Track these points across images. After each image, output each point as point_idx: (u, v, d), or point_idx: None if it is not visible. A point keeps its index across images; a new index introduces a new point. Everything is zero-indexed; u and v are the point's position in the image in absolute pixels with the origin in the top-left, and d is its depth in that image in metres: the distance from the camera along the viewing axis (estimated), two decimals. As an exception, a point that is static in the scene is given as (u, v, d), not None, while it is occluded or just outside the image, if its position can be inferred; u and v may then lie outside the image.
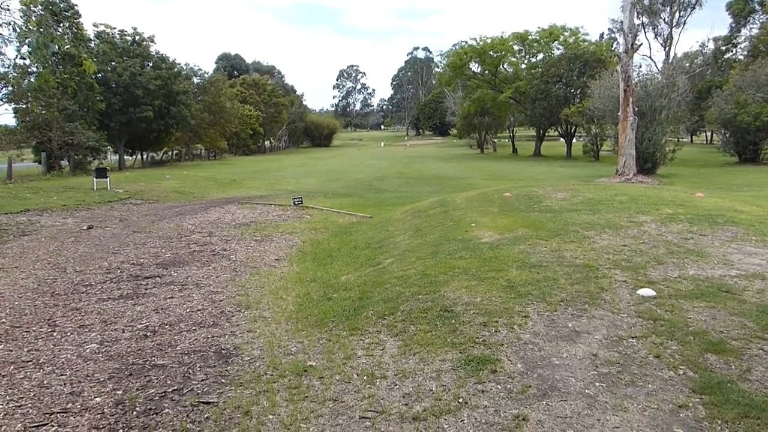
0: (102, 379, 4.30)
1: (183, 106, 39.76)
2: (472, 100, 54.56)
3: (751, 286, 5.22)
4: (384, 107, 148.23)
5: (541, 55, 49.64)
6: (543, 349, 4.12)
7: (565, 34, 47.88)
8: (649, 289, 5.18)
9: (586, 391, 3.52)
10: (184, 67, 46.94)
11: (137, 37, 38.61)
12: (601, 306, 4.85)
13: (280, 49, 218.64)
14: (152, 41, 39.32)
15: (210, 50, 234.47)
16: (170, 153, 48.80)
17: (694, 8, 43.62)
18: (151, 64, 38.29)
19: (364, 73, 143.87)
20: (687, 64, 45.28)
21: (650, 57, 59.49)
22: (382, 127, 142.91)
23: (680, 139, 34.07)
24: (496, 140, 64.53)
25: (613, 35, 56.13)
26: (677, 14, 42.86)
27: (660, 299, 4.94)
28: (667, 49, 44.09)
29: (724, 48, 48.63)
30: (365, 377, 3.99)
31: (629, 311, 4.71)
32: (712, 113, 34.16)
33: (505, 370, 3.82)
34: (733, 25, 48.40)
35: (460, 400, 3.50)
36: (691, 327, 4.33)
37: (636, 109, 23.72)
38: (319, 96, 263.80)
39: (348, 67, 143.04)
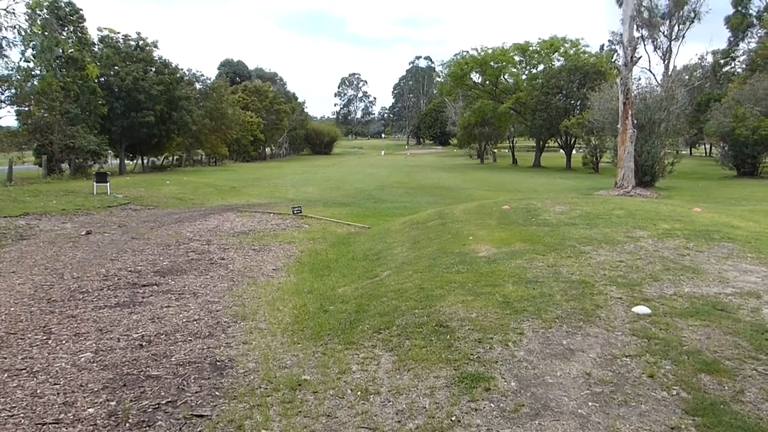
0: (96, 389, 4.30)
1: (185, 111, 39.92)
2: (472, 110, 54.85)
3: (746, 305, 5.23)
4: (385, 116, 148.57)
5: (541, 66, 49.97)
6: (537, 367, 4.12)
7: (566, 45, 48.19)
8: (644, 306, 5.19)
9: (579, 410, 3.52)
10: (187, 73, 47.34)
11: (141, 42, 38.79)
12: (595, 323, 4.86)
13: (283, 56, 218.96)
14: (155, 46, 39.51)
15: (213, 56, 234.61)
16: (171, 158, 48.85)
17: (693, 22, 43.86)
18: (153, 69, 38.49)
19: (366, 82, 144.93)
20: (686, 77, 45.53)
21: (650, 70, 59.41)
22: (383, 135, 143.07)
23: (679, 152, 34.26)
24: (495, 150, 64.72)
25: (613, 47, 56.28)
26: (676, 27, 43.04)
27: (655, 317, 4.94)
28: (666, 62, 44.29)
29: (722, 61, 49.07)
30: (359, 393, 3.99)
31: (624, 329, 4.72)
32: (711, 126, 34.35)
33: (498, 388, 3.83)
34: (732, 38, 48.72)
35: (453, 418, 3.51)
36: (685, 346, 4.34)
37: (635, 121, 23.85)
38: (320, 103, 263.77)
39: (350, 75, 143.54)
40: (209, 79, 53.02)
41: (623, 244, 7.63)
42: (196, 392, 4.23)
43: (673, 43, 43.65)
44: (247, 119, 58.19)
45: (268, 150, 74.16)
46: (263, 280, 8.09)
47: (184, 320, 6.13)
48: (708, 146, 56.82)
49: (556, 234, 8.41)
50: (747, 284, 5.88)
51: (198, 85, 50.07)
